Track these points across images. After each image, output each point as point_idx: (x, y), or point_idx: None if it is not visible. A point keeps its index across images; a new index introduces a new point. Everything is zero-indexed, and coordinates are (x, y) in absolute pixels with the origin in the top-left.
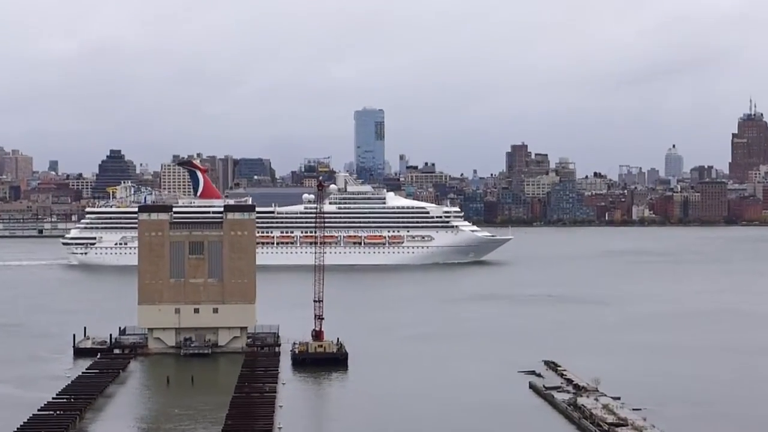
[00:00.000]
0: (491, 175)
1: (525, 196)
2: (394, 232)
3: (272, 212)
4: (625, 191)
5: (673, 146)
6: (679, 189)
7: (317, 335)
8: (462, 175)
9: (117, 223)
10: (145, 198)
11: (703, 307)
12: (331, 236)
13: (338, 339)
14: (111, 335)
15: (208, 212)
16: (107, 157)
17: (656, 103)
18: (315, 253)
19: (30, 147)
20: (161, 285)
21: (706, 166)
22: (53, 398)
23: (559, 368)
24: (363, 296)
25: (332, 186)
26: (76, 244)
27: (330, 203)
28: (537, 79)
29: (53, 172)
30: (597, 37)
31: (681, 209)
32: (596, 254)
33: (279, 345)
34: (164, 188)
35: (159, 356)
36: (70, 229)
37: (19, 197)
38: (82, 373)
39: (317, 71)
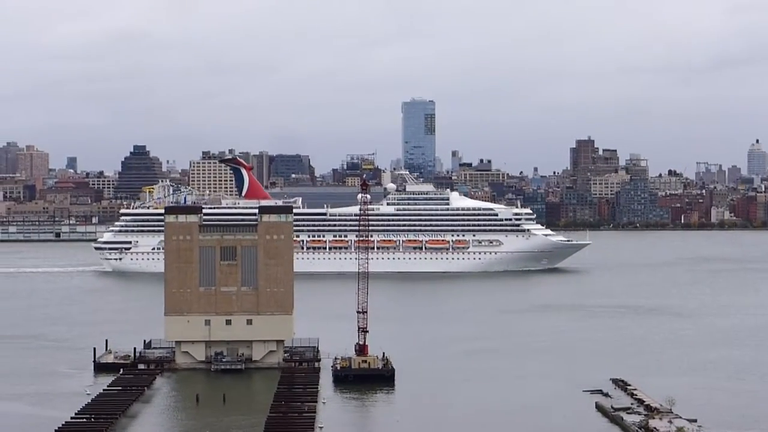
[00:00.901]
0: (554, 173)
1: (591, 196)
2: (458, 236)
3: (324, 214)
4: (703, 191)
5: (757, 141)
6: (763, 188)
7: (361, 349)
8: (521, 173)
9: (154, 226)
10: (185, 198)
11: None
12: (389, 241)
13: (384, 354)
14: (135, 349)
15: (254, 214)
16: (131, 153)
17: (738, 92)
18: (358, 259)
19: (46, 142)
20: (190, 294)
21: None
22: (72, 418)
23: (629, 387)
24: (415, 306)
25: (390, 185)
26: (110, 248)
27: (388, 204)
28: (605, 66)
29: (71, 170)
30: (674, 19)
31: (765, 211)
32: (671, 261)
33: (319, 360)
34: (200, 186)
35: (187, 372)
36: (93, 233)
37: (34, 197)
38: (104, 390)
39: (360, 59)
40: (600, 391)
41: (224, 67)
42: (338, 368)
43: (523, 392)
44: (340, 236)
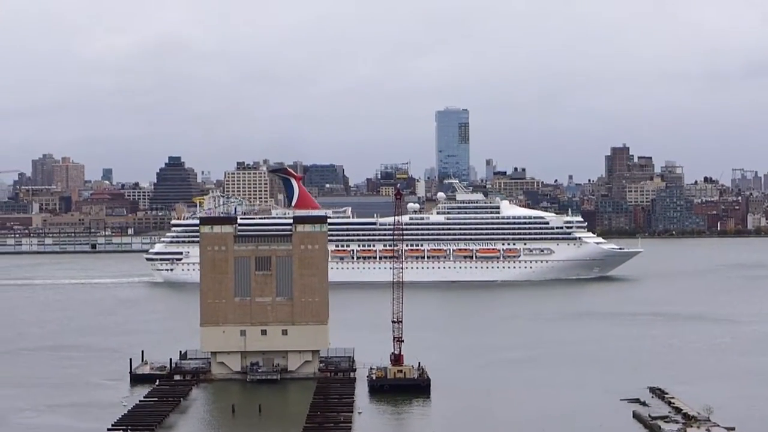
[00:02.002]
0: (589, 180)
1: (627, 204)
2: (509, 244)
3: (374, 223)
4: (740, 198)
5: None
6: None
7: (396, 359)
8: (556, 181)
9: None
10: (235, 208)
11: None
12: (439, 250)
13: (419, 363)
14: (171, 360)
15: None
16: (166, 164)
17: None
18: (393, 268)
19: (82, 154)
20: (225, 305)
21: None
22: (108, 429)
23: (666, 395)
24: (457, 316)
25: (440, 194)
26: (161, 259)
27: (438, 213)
28: (640, 73)
29: (107, 182)
30: (711, 27)
31: None
32: (708, 268)
33: (354, 370)
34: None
35: (223, 383)
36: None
37: (70, 209)
38: (140, 401)
39: (395, 69)
40: (637, 400)
41: (261, 79)
42: (374, 378)
43: (561, 401)
44: (390, 246)
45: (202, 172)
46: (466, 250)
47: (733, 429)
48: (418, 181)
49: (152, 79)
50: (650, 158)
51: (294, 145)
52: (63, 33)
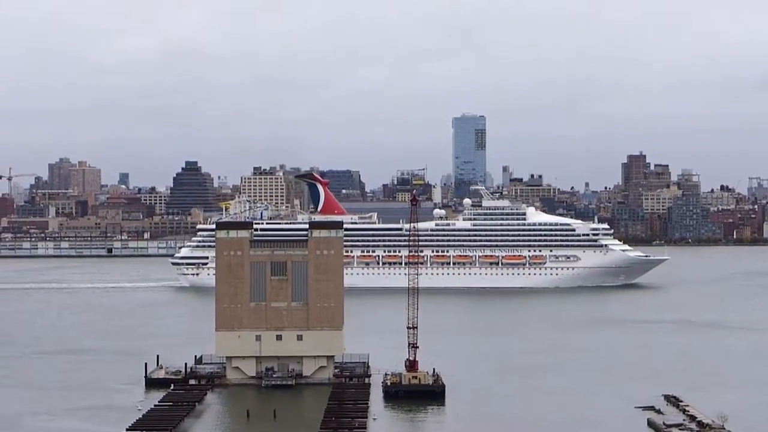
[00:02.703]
0: (605, 188)
1: (643, 211)
2: (535, 251)
3: (400, 229)
4: (756, 206)
5: None
6: None
7: (411, 365)
8: (572, 188)
9: None
10: (261, 213)
11: None
12: (466, 256)
13: (434, 369)
14: (186, 364)
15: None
16: (182, 169)
17: None
18: (408, 274)
19: (98, 158)
20: (240, 309)
21: None
22: None
23: (681, 403)
24: (474, 321)
25: (466, 200)
26: (187, 264)
27: (464, 219)
28: (656, 81)
29: (123, 186)
30: (727, 35)
31: None
32: (724, 276)
33: (369, 376)
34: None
35: (238, 388)
36: (144, 248)
37: (86, 213)
38: (155, 405)
39: (411, 75)
40: (652, 408)
41: (277, 83)
42: (388, 384)
43: (575, 408)
44: (417, 251)
45: (219, 177)
46: (492, 256)
47: None
48: (434, 187)
49: (169, 84)
50: (667, 166)
51: (310, 150)
52: (80, 37)
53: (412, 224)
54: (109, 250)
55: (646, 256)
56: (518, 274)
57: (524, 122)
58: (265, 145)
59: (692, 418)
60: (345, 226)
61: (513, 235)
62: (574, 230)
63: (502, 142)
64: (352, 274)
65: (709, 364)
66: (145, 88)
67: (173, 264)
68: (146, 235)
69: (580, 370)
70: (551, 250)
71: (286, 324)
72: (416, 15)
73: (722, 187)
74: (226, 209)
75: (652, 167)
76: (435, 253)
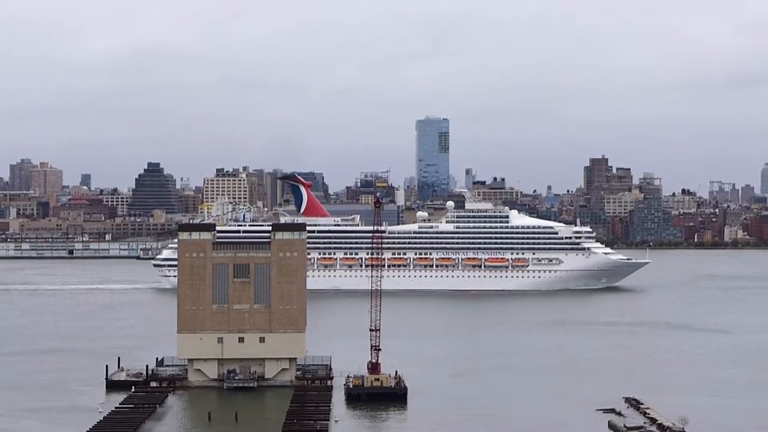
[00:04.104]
0: (567, 191)
1: (605, 215)
2: (518, 254)
3: (383, 231)
4: (717, 210)
5: None
6: None
7: (374, 368)
8: (535, 191)
9: None
10: (243, 215)
11: None
12: (448, 259)
13: (396, 372)
14: (147, 366)
15: (313, 231)
16: (144, 170)
17: (753, 112)
18: (371, 276)
19: (60, 159)
20: (203, 311)
21: None
22: None
23: (641, 406)
24: (445, 324)
25: (449, 203)
26: (169, 265)
27: (447, 222)
28: (622, 85)
29: (85, 187)
30: (691, 39)
31: None
32: (687, 280)
33: (331, 378)
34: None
35: (200, 390)
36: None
37: (47, 214)
38: (116, 408)
39: (380, 78)
40: (613, 410)
41: (246, 84)
42: (351, 386)
43: (537, 411)
44: (400, 254)
45: (182, 179)
46: (474, 259)
47: None
48: (397, 189)
49: (137, 84)
50: (629, 170)
51: (276, 152)
52: (48, 37)
53: (375, 226)
54: (71, 252)
55: (628, 259)
56: (501, 276)
57: (489, 126)
58: (229, 146)
59: (653, 420)
60: (328, 228)
61: (496, 238)
62: (556, 233)
63: (466, 145)
64: (335, 276)
65: (670, 366)
66: (112, 88)
67: (155, 266)
68: (108, 237)
69: (544, 372)
70: (534, 253)
71: (249, 326)
72: (390, 18)
73: (684, 191)
74: (207, 211)
75: (614, 171)
76: (418, 256)
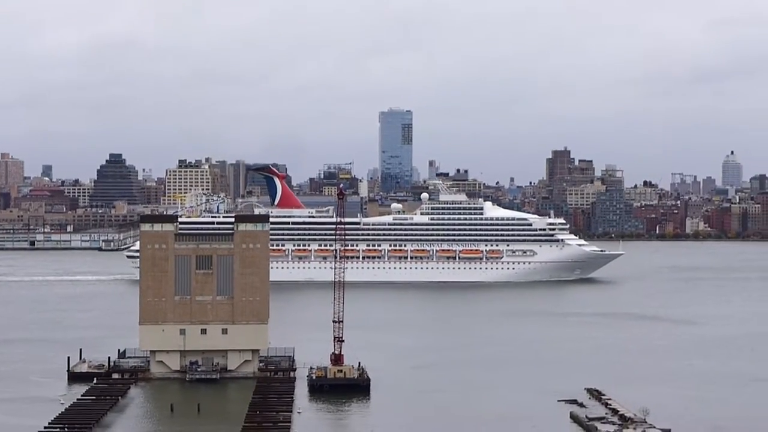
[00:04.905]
0: (530, 183)
1: (567, 206)
2: (492, 246)
3: (358, 223)
4: (678, 202)
5: (732, 153)
6: (738, 200)
7: (336, 359)
8: (498, 183)
9: None
10: (217, 207)
11: (764, 330)
12: (423, 251)
13: (359, 363)
14: (109, 358)
15: (288, 223)
16: (106, 161)
17: (714, 105)
18: (334, 268)
19: (22, 151)
20: (165, 303)
21: (767, 175)
22: (45, 427)
23: (603, 397)
24: (412, 315)
25: (423, 195)
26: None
27: (421, 213)
28: (587, 79)
29: (47, 178)
30: (654, 33)
31: (739, 222)
32: (647, 271)
33: (294, 369)
34: (175, 194)
35: (162, 382)
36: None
37: (8, 205)
38: (77, 399)
39: (348, 71)
40: (575, 401)
41: (211, 77)
42: (314, 378)
43: (498, 402)
44: (374, 246)
45: (144, 170)
46: (449, 251)
47: (669, 430)
48: (360, 181)
49: (101, 76)
50: (591, 161)
51: (239, 144)
52: (12, 28)
53: (338, 218)
54: (32, 243)
55: (602, 251)
56: (475, 268)
57: (454, 118)
58: (193, 138)
59: (614, 411)
60: (302, 219)
61: (470, 230)
62: (530, 225)
63: (431, 137)
64: (310, 268)
65: (634, 357)
66: (76, 80)
67: (128, 257)
68: (69, 228)
69: (508, 364)
70: (508, 245)
71: (211, 318)
72: (356, 12)
73: (646, 183)
74: (181, 202)
75: (576, 163)
76: (392, 248)
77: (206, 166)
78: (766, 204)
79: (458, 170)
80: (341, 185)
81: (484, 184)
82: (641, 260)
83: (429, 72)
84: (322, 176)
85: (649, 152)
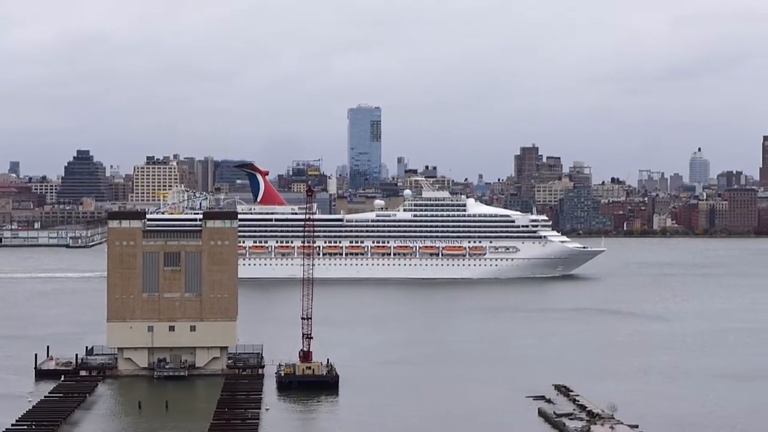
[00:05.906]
0: (498, 180)
1: (535, 203)
2: (475, 242)
3: (341, 220)
4: (646, 199)
5: (699, 150)
6: (705, 197)
7: (305, 356)
8: (466, 180)
9: None
10: (200, 203)
11: (731, 326)
12: (406, 247)
13: (328, 360)
14: (77, 355)
15: (270, 219)
16: (74, 158)
17: (681, 102)
18: (303, 264)
19: None
20: (133, 300)
21: (734, 172)
22: (12, 425)
23: (571, 393)
24: (389, 312)
25: (406, 191)
26: None
27: (404, 210)
28: (554, 79)
29: (14, 175)
30: (619, 32)
31: (707, 219)
32: (614, 268)
33: (263, 367)
34: (143, 191)
35: (130, 379)
36: (35, 238)
37: None
38: (45, 396)
39: (317, 67)
40: (542, 397)
41: (181, 73)
42: (282, 375)
43: (467, 399)
44: (357, 242)
45: (111, 166)
46: (432, 247)
47: (636, 426)
48: (329, 178)
49: (70, 72)
50: (559, 158)
51: (210, 140)
52: None
53: (307, 215)
54: None
55: (584, 247)
56: (458, 265)
57: (423, 115)
58: (163, 134)
59: (582, 407)
60: (285, 216)
61: (453, 226)
62: (513, 221)
63: (400, 134)
64: (292, 264)
65: (602, 353)
66: (44, 76)
67: None
68: (37, 225)
69: (476, 360)
70: (491, 242)
71: (179, 315)
72: (328, 7)
73: (613, 180)
74: (163, 199)
75: (544, 159)
76: (375, 244)
77: (174, 163)
78: (733, 200)
79: (427, 167)
80: (310, 182)
81: (452, 180)
82: (609, 257)
83: (397, 69)
84: (291, 173)
85: (617, 149)
